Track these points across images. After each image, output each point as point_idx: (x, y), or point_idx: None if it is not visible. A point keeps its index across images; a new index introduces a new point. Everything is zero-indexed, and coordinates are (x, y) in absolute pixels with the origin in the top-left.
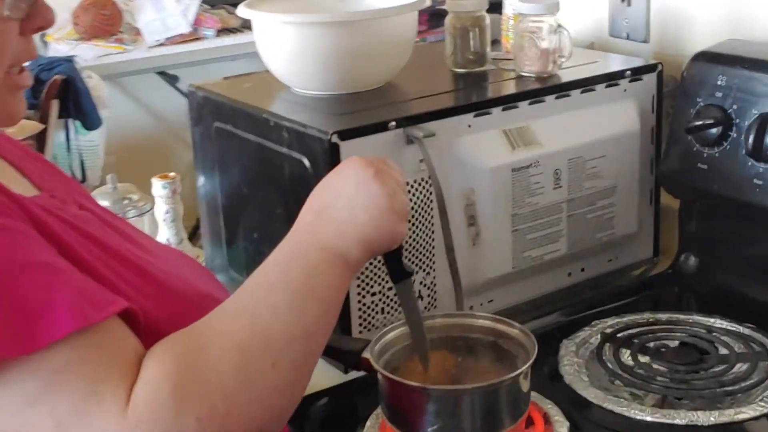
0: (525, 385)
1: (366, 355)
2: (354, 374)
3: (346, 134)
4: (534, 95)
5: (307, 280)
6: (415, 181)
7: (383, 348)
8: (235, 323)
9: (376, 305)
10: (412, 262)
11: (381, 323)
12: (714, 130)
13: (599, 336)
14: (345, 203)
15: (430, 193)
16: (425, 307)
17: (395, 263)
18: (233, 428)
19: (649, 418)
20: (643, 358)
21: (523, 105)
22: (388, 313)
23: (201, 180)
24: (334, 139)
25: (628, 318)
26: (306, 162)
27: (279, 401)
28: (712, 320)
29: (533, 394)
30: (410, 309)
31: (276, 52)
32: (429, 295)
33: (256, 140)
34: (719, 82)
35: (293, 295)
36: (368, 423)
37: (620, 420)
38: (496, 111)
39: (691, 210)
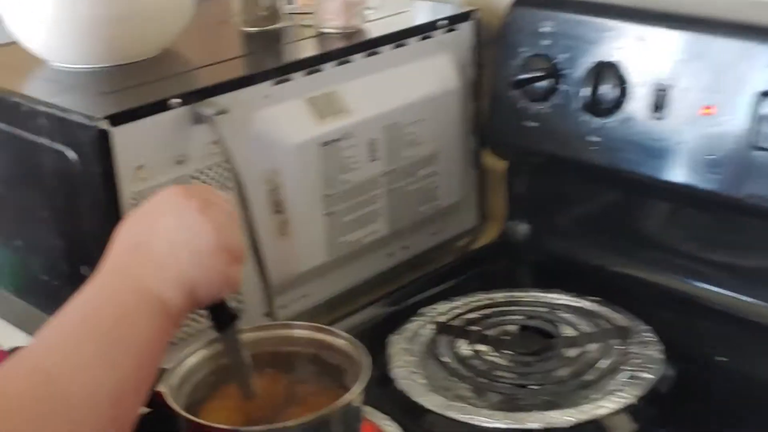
0: (357, 407)
1: (161, 388)
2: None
3: (118, 118)
4: (340, 55)
5: (117, 328)
6: (207, 168)
7: (185, 377)
8: (24, 382)
9: None
10: None
11: (178, 338)
12: (542, 84)
13: (430, 327)
14: (164, 239)
15: (227, 180)
16: None
17: (219, 308)
18: None
19: (499, 425)
20: (483, 350)
21: (328, 67)
22: (186, 325)
23: None
24: (103, 125)
25: (460, 301)
26: (71, 154)
27: None
28: (552, 296)
29: (365, 408)
30: (238, 360)
31: (26, 16)
32: (234, 299)
33: (7, 130)
34: (545, 29)
35: (98, 348)
36: None
37: (467, 431)
38: (298, 76)
39: (519, 171)
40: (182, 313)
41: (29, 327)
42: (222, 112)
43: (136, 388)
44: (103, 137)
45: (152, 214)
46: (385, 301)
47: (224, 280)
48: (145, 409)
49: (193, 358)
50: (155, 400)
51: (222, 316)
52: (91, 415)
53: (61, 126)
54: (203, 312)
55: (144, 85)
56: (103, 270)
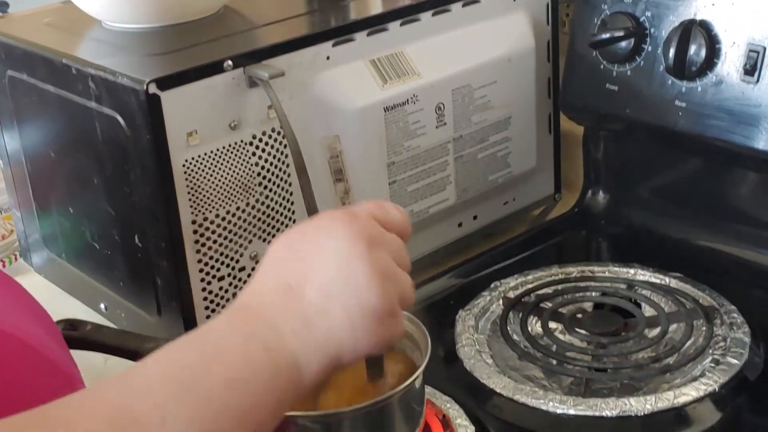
0: (419, 389)
1: None
2: None
3: (168, 82)
4: (406, 13)
5: (233, 388)
6: (264, 134)
7: None
8: (97, 425)
9: (226, 291)
10: (268, 234)
11: None
12: (624, 44)
13: (501, 302)
14: (318, 289)
15: (284, 147)
16: None
17: (374, 363)
18: None
19: (571, 411)
20: (557, 329)
21: (394, 26)
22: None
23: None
24: (152, 89)
25: (533, 275)
26: (120, 120)
27: None
28: (632, 271)
29: (427, 389)
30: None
31: None
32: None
33: (57, 93)
34: None
35: (201, 406)
36: None
37: (537, 416)
38: (361, 36)
39: (598, 137)
40: (315, 382)
41: (80, 293)
42: (278, 75)
43: None
44: (152, 102)
45: (312, 248)
46: (454, 273)
47: (377, 344)
48: None
49: None
50: None
51: (376, 368)
52: None
53: (110, 90)
54: None
55: (198, 46)
56: (238, 303)
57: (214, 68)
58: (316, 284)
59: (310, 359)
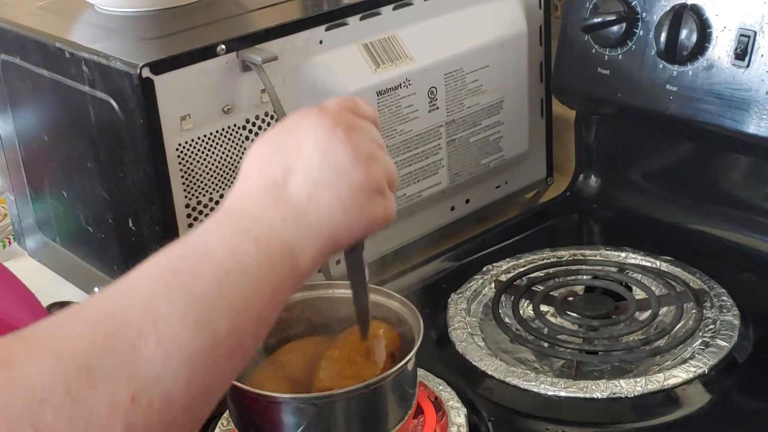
0: (412, 372)
1: None
2: None
3: (161, 66)
4: None
5: (222, 282)
6: (257, 118)
7: None
8: (86, 325)
9: None
10: None
11: None
12: (616, 28)
13: (493, 285)
14: (304, 178)
15: None
16: None
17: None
18: None
19: (562, 393)
20: (548, 312)
21: (386, 10)
22: None
23: None
24: (146, 73)
25: (524, 259)
26: (113, 104)
27: None
28: (623, 254)
29: (420, 371)
30: (359, 282)
31: None
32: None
33: (51, 77)
34: None
35: (189, 302)
36: (217, 430)
37: (528, 397)
38: (353, 21)
39: (589, 121)
40: (313, 268)
41: (74, 277)
42: (271, 59)
43: (230, 353)
44: (147, 86)
45: (290, 143)
46: (447, 256)
47: (370, 222)
48: None
49: None
50: None
51: None
52: (162, 378)
53: (103, 74)
54: None
55: (191, 30)
56: (222, 208)
57: (207, 52)
58: (300, 175)
59: (305, 245)
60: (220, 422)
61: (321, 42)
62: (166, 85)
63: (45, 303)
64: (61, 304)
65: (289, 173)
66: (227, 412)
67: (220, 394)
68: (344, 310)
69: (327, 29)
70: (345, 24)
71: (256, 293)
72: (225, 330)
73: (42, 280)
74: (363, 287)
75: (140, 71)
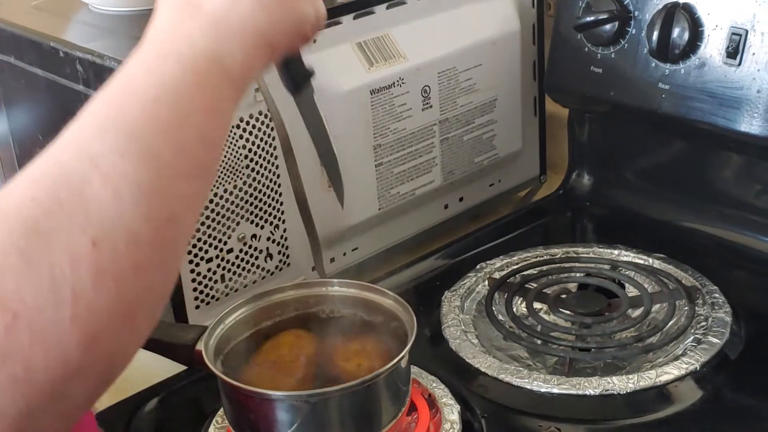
0: (405, 369)
1: (201, 347)
2: None
3: None
4: None
5: (154, 106)
6: (251, 117)
7: (225, 336)
8: (23, 193)
9: (214, 273)
10: (256, 216)
11: (222, 293)
12: (608, 27)
13: (487, 283)
14: None
15: (272, 130)
16: (277, 267)
17: (291, 63)
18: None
19: (555, 390)
20: (541, 309)
21: (380, 9)
22: (230, 279)
23: None
24: None
25: (518, 256)
26: None
27: (108, 302)
28: (615, 252)
29: (413, 369)
30: (315, 122)
31: None
32: (281, 253)
33: (45, 76)
34: None
35: (127, 132)
36: (212, 428)
37: (521, 395)
38: (347, 20)
39: (583, 120)
40: (251, 71)
41: None
42: None
43: (185, 174)
44: None
45: None
46: (440, 254)
47: (299, 17)
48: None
49: (233, 317)
50: (200, 359)
51: (295, 72)
52: (118, 216)
53: (97, 73)
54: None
55: None
56: (143, 41)
57: None
58: None
59: (231, 49)
60: (214, 420)
61: (314, 41)
62: None
63: None
64: None
65: None
66: (221, 410)
67: (191, 222)
68: (339, 308)
69: None
70: (338, 23)
71: (191, 110)
72: (169, 152)
73: None
74: (321, 127)
75: None
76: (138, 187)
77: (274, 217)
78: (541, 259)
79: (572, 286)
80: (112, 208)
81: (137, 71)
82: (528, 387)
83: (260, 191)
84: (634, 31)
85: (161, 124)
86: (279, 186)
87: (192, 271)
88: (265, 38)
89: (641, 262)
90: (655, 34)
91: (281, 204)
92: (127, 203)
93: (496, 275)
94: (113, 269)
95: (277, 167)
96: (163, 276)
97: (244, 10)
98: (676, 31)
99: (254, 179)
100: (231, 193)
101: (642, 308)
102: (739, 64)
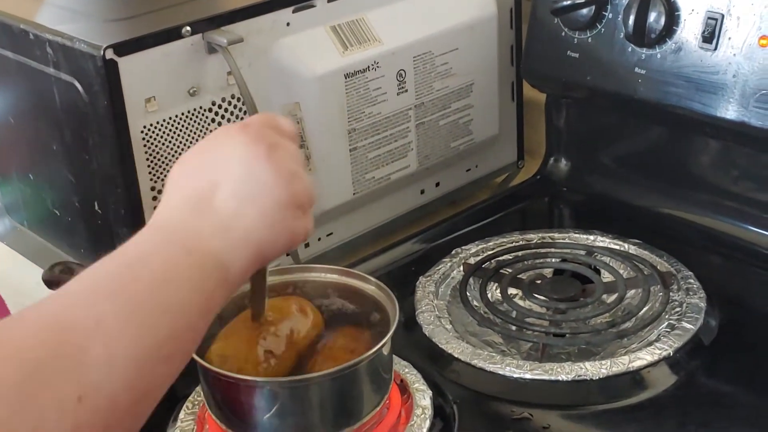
0: (387, 357)
1: None
2: None
3: (125, 47)
4: None
5: (158, 289)
6: (223, 100)
7: None
8: (32, 328)
9: None
10: None
11: None
12: (585, 11)
13: (461, 268)
14: (229, 194)
15: (244, 114)
16: None
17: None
18: None
19: (528, 376)
20: (516, 294)
21: None
22: None
23: None
24: (110, 54)
25: (493, 242)
26: (78, 86)
27: None
28: (591, 237)
29: None
30: (258, 298)
31: None
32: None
33: (15, 59)
34: None
35: (129, 307)
36: (182, 413)
37: (494, 380)
38: (321, 3)
39: (560, 105)
40: (243, 279)
41: (42, 261)
42: (236, 41)
43: (169, 357)
44: (111, 68)
45: (215, 159)
46: (416, 239)
47: (292, 236)
48: None
49: None
50: None
51: None
52: (108, 379)
53: (67, 55)
54: None
55: (157, 12)
56: (153, 224)
57: (172, 34)
58: (226, 191)
59: (233, 257)
60: (185, 405)
61: (288, 24)
62: (130, 66)
63: (13, 288)
64: (66, 265)
65: (214, 189)
66: (192, 395)
67: (157, 400)
68: (319, 294)
69: (294, 11)
70: (312, 6)
71: (190, 301)
72: (165, 334)
73: (10, 264)
74: (262, 304)
75: (104, 53)
76: (132, 358)
77: None
78: (517, 244)
79: (547, 272)
80: (103, 371)
81: (150, 249)
82: (501, 372)
83: None
84: (610, 16)
85: (164, 305)
86: None
87: None
88: (259, 251)
89: (617, 247)
90: (632, 19)
91: None
92: (117, 370)
93: (472, 261)
94: (89, 427)
95: None
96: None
97: (250, 223)
98: (652, 16)
99: None
100: None
101: (616, 294)
102: (715, 48)
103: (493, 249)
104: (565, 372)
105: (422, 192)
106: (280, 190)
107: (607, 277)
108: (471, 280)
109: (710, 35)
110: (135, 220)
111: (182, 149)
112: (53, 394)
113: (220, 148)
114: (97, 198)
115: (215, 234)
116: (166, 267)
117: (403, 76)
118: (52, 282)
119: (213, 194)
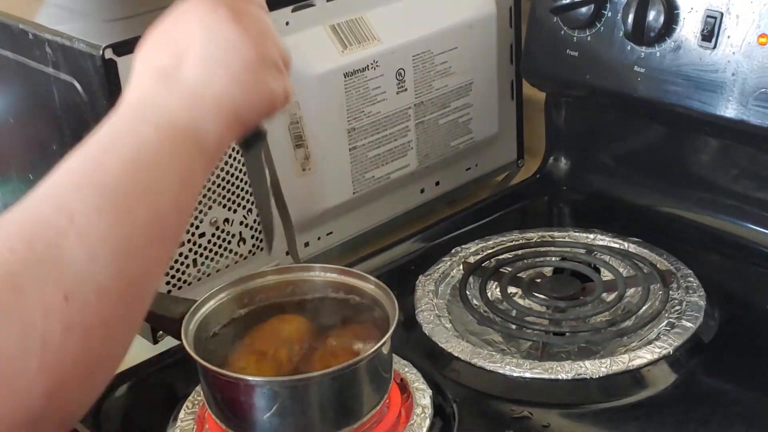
0: (387, 356)
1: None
2: (167, 343)
3: (125, 47)
4: None
5: (133, 171)
6: None
7: (205, 321)
8: (8, 227)
9: (186, 257)
10: (228, 200)
11: (195, 278)
12: (584, 9)
13: (461, 267)
14: (194, 60)
15: None
16: (250, 251)
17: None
18: None
19: (527, 375)
20: (516, 293)
21: None
22: (203, 264)
23: None
24: (109, 54)
25: (493, 241)
26: (77, 85)
27: (75, 353)
28: (591, 236)
29: None
30: (259, 180)
31: None
32: (254, 237)
33: (15, 59)
34: None
35: (104, 194)
36: (182, 413)
37: (493, 379)
38: (320, 2)
39: (560, 103)
40: (222, 146)
41: None
42: None
43: (156, 239)
44: (110, 67)
45: (176, 32)
46: (415, 238)
47: (271, 97)
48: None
49: (214, 302)
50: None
51: (249, 132)
52: (90, 273)
53: (67, 55)
54: None
55: (157, 12)
56: (119, 106)
57: None
58: (191, 59)
59: (207, 123)
60: (185, 405)
61: (287, 23)
62: (129, 66)
63: None
64: None
65: (179, 58)
66: (192, 395)
67: (153, 287)
68: (320, 293)
69: (293, 10)
70: (312, 5)
71: (167, 178)
72: (145, 216)
73: None
74: (263, 187)
75: (103, 52)
76: (113, 246)
77: (247, 201)
78: (517, 243)
79: (547, 271)
80: (85, 265)
81: (117, 132)
82: (501, 371)
83: (233, 175)
84: (609, 14)
85: (139, 187)
86: None
87: None
88: (237, 115)
89: (616, 246)
90: (631, 17)
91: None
92: (100, 261)
93: (471, 259)
94: (82, 323)
95: None
96: (128, 329)
97: (220, 87)
98: (651, 14)
99: (226, 162)
100: None
101: (616, 292)
102: (714, 47)
103: (492, 248)
104: (564, 371)
105: (422, 191)
106: (248, 49)
107: (606, 275)
108: (471, 279)
109: (709, 33)
110: None
111: None
112: (35, 299)
113: (182, 20)
114: None
115: (183, 104)
116: (135, 148)
117: (403, 75)
118: None
119: (179, 64)
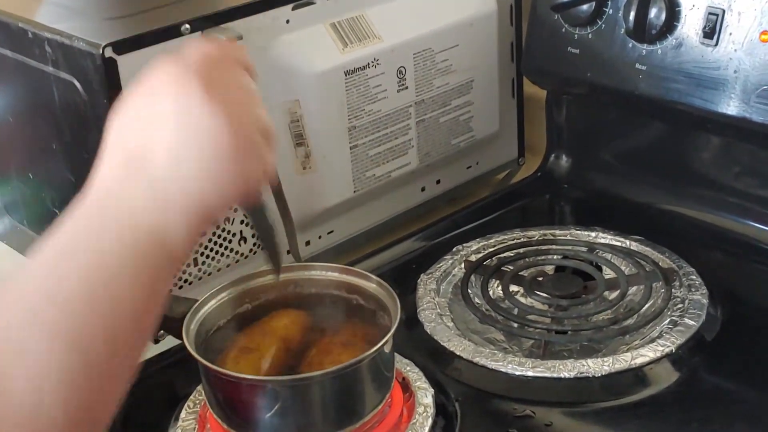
0: (389, 355)
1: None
2: (168, 343)
3: (124, 45)
4: None
5: (90, 293)
6: None
7: (206, 320)
8: None
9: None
10: None
11: (196, 277)
12: (585, 7)
13: (463, 266)
14: (161, 146)
15: None
16: (251, 250)
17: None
18: None
19: (530, 373)
20: (518, 292)
21: None
22: (204, 263)
23: None
24: (109, 52)
25: (495, 239)
26: (77, 84)
27: None
28: (593, 234)
29: None
30: (266, 238)
31: None
32: (255, 236)
33: (14, 57)
34: None
35: (57, 333)
36: (183, 413)
37: (496, 378)
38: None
39: (561, 101)
40: (189, 246)
41: None
42: (236, 38)
43: (112, 371)
44: (110, 66)
45: (148, 110)
46: (417, 237)
47: (245, 183)
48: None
49: (215, 301)
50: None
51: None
52: (35, 408)
53: (66, 54)
54: None
55: (156, 10)
56: (90, 192)
57: (171, 32)
58: (159, 150)
59: (176, 226)
60: (186, 404)
61: (288, 21)
62: (129, 64)
63: None
64: None
65: (146, 146)
66: (193, 394)
67: (113, 408)
68: (321, 292)
69: (294, 8)
70: (312, 3)
71: (129, 294)
72: (100, 349)
73: (9, 263)
74: (271, 239)
75: (103, 51)
76: (62, 381)
77: None
78: (518, 241)
79: (549, 269)
80: (35, 406)
81: (79, 232)
82: (503, 370)
83: None
84: (611, 12)
85: (99, 301)
86: None
87: None
88: (207, 209)
89: (618, 244)
90: (632, 14)
91: None
92: (47, 398)
93: (473, 258)
94: None
95: None
96: None
97: (189, 181)
98: (653, 11)
99: None
100: None
101: (618, 290)
102: (716, 44)
103: (494, 246)
104: (567, 369)
105: (423, 189)
106: (221, 134)
107: (608, 273)
108: (472, 278)
109: (711, 31)
110: None
111: None
112: None
113: (156, 95)
114: None
115: (149, 202)
116: (97, 260)
117: (404, 73)
118: None
119: (146, 153)
